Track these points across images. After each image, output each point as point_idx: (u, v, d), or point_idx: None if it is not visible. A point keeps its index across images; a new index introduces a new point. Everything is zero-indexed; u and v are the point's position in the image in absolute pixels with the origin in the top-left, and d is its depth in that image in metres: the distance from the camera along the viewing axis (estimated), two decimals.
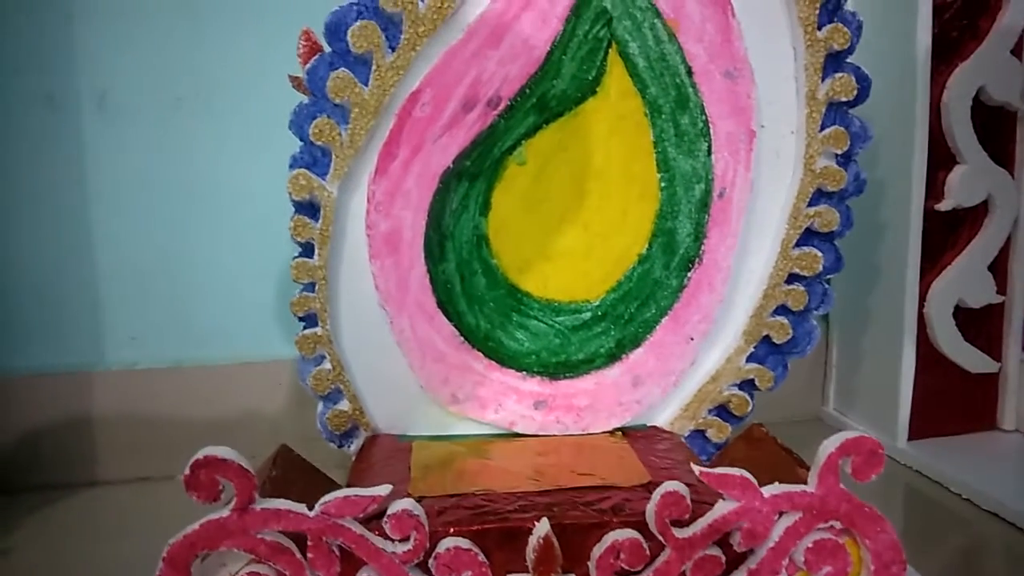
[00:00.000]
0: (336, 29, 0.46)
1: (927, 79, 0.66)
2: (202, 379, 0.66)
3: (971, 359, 0.73)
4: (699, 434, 0.57)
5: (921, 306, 0.71)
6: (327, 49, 0.47)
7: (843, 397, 0.81)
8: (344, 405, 0.53)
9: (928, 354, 0.72)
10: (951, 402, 0.74)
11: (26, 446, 0.63)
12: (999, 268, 0.72)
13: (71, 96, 0.60)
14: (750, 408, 0.57)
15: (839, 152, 0.53)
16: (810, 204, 0.54)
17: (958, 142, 0.67)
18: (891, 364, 0.73)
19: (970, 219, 0.70)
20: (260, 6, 0.59)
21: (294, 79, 0.51)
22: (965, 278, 0.70)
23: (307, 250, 0.50)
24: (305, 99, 0.47)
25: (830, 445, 0.39)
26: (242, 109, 0.60)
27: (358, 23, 0.46)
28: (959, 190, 0.68)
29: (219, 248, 0.64)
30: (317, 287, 0.50)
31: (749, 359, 0.56)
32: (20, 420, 0.63)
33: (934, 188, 0.68)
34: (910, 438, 0.73)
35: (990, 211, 0.70)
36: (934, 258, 0.70)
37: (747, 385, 0.56)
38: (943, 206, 0.68)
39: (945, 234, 0.71)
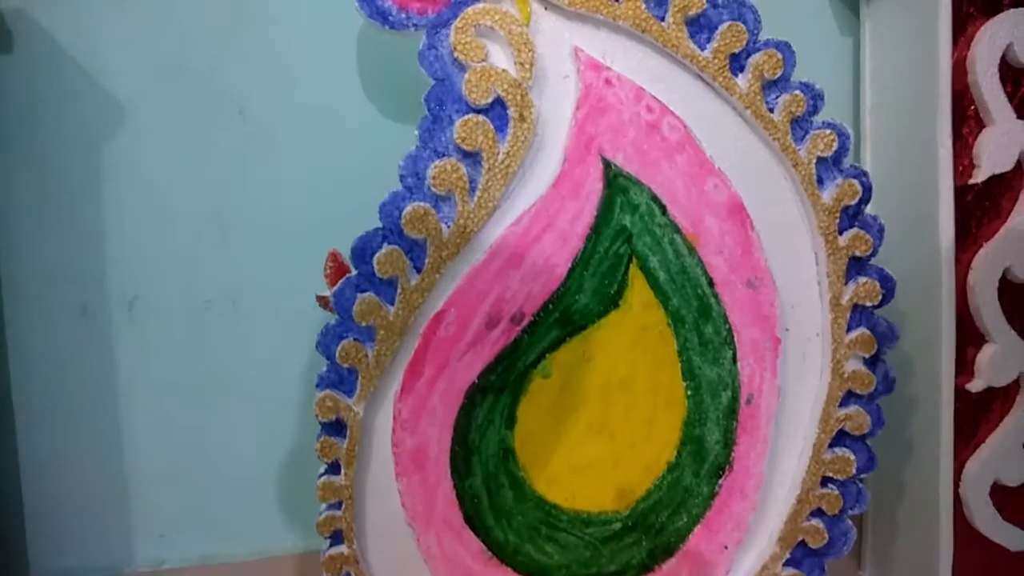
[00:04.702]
0: (362, 254, 0.47)
1: (951, 261, 0.65)
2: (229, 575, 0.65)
3: (1010, 537, 0.70)
4: None
5: (956, 484, 0.69)
6: (353, 271, 0.48)
7: (879, 566, 0.79)
8: None
9: (965, 532, 0.70)
10: None
11: None
12: None
13: (102, 304, 0.61)
14: None
15: (867, 355, 0.53)
16: (840, 406, 0.53)
17: (986, 322, 0.66)
18: (928, 541, 0.70)
19: (1002, 396, 0.69)
20: (286, 222, 0.60)
21: (321, 299, 0.51)
22: (1000, 456, 0.69)
23: (333, 469, 0.50)
24: (332, 318, 0.48)
25: None
26: (269, 313, 0.61)
27: (384, 250, 0.46)
28: (990, 370, 0.66)
29: (244, 445, 0.64)
30: (343, 506, 0.50)
31: (786, 564, 0.55)
32: None
33: (964, 366, 0.67)
34: None
35: (1022, 388, 0.69)
36: (967, 436, 0.69)
37: None
38: (974, 387, 0.67)
39: (977, 411, 0.69)
